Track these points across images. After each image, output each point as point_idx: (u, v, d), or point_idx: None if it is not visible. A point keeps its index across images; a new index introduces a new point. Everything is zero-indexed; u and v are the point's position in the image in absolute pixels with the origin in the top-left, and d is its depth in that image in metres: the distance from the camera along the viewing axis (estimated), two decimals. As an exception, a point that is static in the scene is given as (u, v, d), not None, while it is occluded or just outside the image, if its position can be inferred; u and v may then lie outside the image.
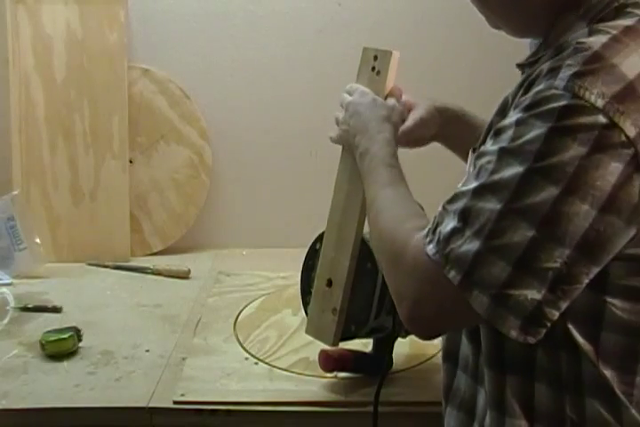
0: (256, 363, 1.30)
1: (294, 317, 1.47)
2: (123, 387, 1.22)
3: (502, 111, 0.84)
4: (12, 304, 1.50)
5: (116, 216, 1.77)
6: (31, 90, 1.74)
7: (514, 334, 0.76)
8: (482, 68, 1.72)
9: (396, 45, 1.13)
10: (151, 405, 1.18)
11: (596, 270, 0.76)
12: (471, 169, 0.82)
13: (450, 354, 0.97)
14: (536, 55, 0.87)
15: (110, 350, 1.34)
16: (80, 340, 1.34)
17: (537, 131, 0.74)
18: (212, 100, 1.81)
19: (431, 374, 1.24)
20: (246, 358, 1.31)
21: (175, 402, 1.18)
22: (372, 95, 1.08)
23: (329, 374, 1.24)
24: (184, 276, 1.69)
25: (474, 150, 0.92)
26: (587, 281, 0.76)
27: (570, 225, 0.73)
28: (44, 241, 1.72)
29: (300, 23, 1.78)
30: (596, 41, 0.75)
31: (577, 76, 0.73)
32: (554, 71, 0.76)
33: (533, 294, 0.74)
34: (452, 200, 0.80)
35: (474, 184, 0.78)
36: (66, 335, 1.31)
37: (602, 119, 0.72)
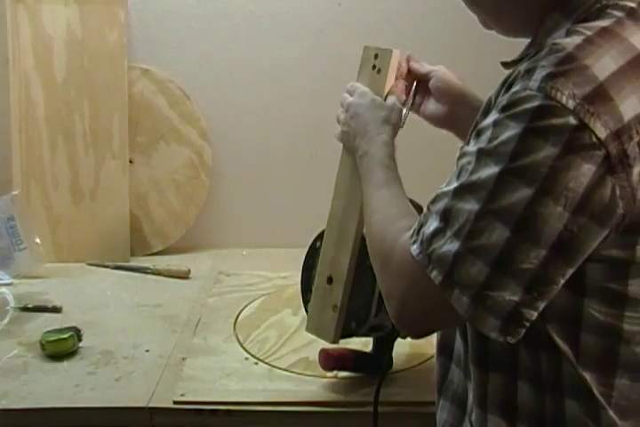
0: (256, 363, 1.30)
1: (294, 317, 1.47)
2: (123, 387, 1.22)
3: (486, 111, 0.84)
4: (12, 304, 1.50)
5: (116, 216, 1.77)
6: (31, 90, 1.74)
7: (494, 334, 0.77)
8: (482, 67, 1.72)
9: (395, 45, 1.14)
10: (151, 405, 1.18)
11: (570, 271, 0.76)
12: (455, 169, 0.82)
13: (444, 348, 0.98)
14: (522, 55, 0.87)
15: (110, 350, 1.34)
16: (80, 340, 1.34)
17: (511, 132, 0.74)
18: (211, 100, 1.81)
19: (431, 373, 1.22)
20: (246, 358, 1.32)
21: (175, 402, 1.18)
22: (372, 95, 1.08)
23: (329, 374, 1.25)
24: (184, 276, 1.69)
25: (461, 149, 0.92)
26: (562, 282, 0.76)
27: (545, 226, 0.73)
28: (44, 241, 1.72)
29: (300, 23, 1.78)
30: (570, 42, 0.76)
31: (549, 77, 0.74)
32: (529, 72, 0.76)
33: (510, 295, 0.75)
34: (434, 200, 0.81)
35: (454, 184, 0.79)
36: (66, 335, 1.31)
37: (572, 120, 0.72)
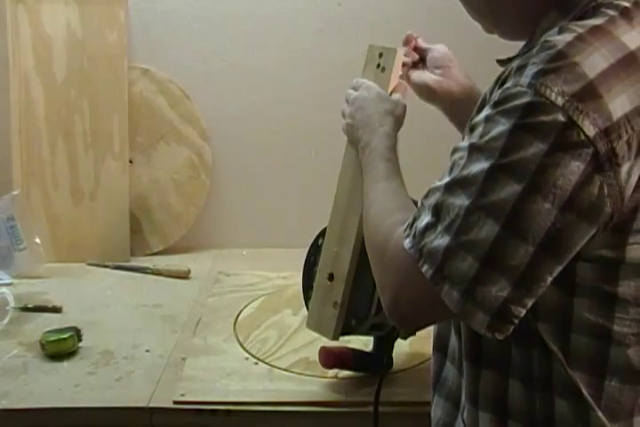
0: (256, 363, 1.30)
1: (294, 317, 1.47)
2: (123, 387, 1.22)
3: (481, 107, 0.84)
4: (12, 304, 1.50)
5: (116, 216, 1.77)
6: (31, 90, 1.74)
7: (482, 329, 0.77)
8: (482, 67, 1.72)
9: (396, 45, 1.14)
10: (151, 405, 1.18)
11: (558, 269, 0.76)
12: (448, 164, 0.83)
13: (440, 344, 0.98)
14: (519, 53, 0.88)
15: (110, 350, 1.34)
16: (80, 340, 1.34)
17: (501, 127, 0.75)
18: (211, 100, 1.81)
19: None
20: (246, 358, 1.31)
21: (175, 402, 1.18)
22: (377, 89, 1.09)
23: (329, 374, 1.25)
24: (184, 276, 1.69)
25: None
26: (550, 279, 0.76)
27: (533, 222, 0.74)
28: (44, 241, 1.72)
29: (299, 23, 1.78)
30: (561, 39, 0.76)
31: (540, 73, 0.74)
32: (521, 69, 0.76)
33: (499, 291, 0.75)
34: (427, 195, 0.82)
35: (446, 179, 0.79)
36: (66, 335, 1.31)
37: (561, 117, 0.72)
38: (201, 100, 1.80)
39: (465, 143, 0.79)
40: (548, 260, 0.75)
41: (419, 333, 1.21)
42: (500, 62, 0.89)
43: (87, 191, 1.77)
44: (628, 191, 0.74)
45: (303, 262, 1.25)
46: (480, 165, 0.76)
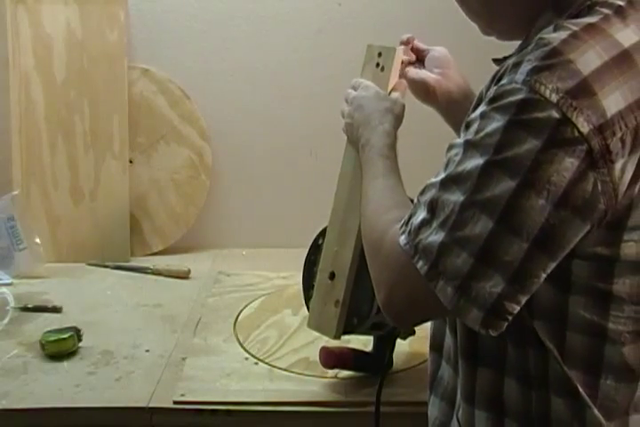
0: (256, 363, 1.30)
1: (294, 317, 1.47)
2: (123, 387, 1.22)
3: (477, 105, 0.85)
4: (12, 304, 1.50)
5: (116, 216, 1.77)
6: (31, 90, 1.74)
7: (476, 326, 0.77)
8: (481, 68, 1.72)
9: (396, 45, 1.14)
10: (151, 405, 1.18)
11: (552, 265, 0.76)
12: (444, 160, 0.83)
13: (435, 344, 0.98)
14: (515, 52, 0.88)
15: (110, 350, 1.34)
16: (80, 340, 1.34)
17: (496, 124, 0.75)
18: (211, 100, 1.81)
19: (431, 374, 1.24)
20: (246, 358, 1.31)
21: (175, 402, 1.18)
22: (376, 88, 1.09)
23: (329, 374, 1.25)
24: (184, 276, 1.69)
25: None
26: (544, 275, 0.76)
27: (527, 219, 0.74)
28: (44, 241, 1.72)
29: (300, 23, 1.78)
30: (556, 37, 0.76)
31: (535, 70, 0.74)
32: (517, 66, 0.77)
33: (493, 287, 0.75)
34: (423, 192, 0.82)
35: (442, 176, 0.80)
36: (66, 335, 1.31)
37: (555, 114, 0.72)
38: (201, 100, 1.80)
39: (460, 140, 0.80)
40: (541, 256, 0.75)
41: (418, 333, 1.22)
42: (496, 61, 0.90)
43: (87, 191, 1.77)
44: (622, 188, 0.74)
45: (303, 262, 1.26)
46: (475, 162, 0.76)
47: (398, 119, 1.07)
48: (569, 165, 0.72)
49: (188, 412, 1.17)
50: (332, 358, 1.20)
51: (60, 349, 1.31)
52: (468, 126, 0.80)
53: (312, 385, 1.22)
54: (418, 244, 0.79)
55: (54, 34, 1.73)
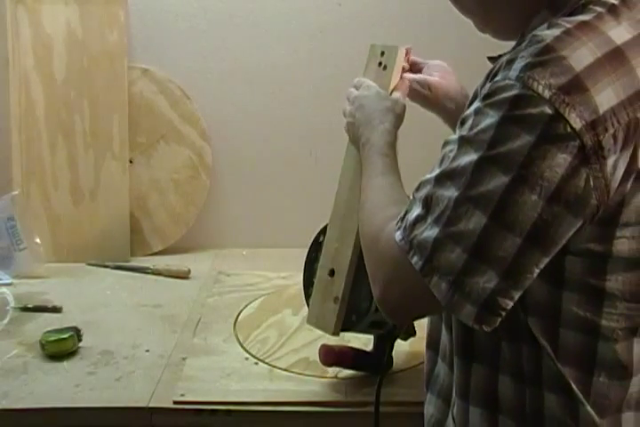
0: (256, 363, 1.30)
1: (294, 317, 1.47)
2: (123, 387, 1.22)
3: (472, 102, 0.85)
4: (12, 304, 1.50)
5: (116, 216, 1.77)
6: (31, 90, 1.74)
7: (469, 321, 0.78)
8: (483, 68, 1.72)
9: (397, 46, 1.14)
10: (151, 405, 1.18)
11: (545, 261, 0.77)
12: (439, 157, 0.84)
13: (432, 342, 0.99)
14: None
15: (110, 350, 1.34)
16: (80, 340, 1.34)
17: (490, 120, 0.76)
18: (211, 100, 1.81)
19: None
20: (246, 358, 1.31)
21: (175, 402, 1.18)
22: (377, 88, 1.10)
23: (329, 374, 1.25)
24: (184, 276, 1.69)
25: None
26: (537, 271, 0.77)
27: (520, 214, 0.74)
28: (44, 241, 1.72)
29: (300, 23, 1.78)
30: (550, 34, 0.77)
31: (528, 67, 0.75)
32: (510, 63, 0.77)
33: (486, 282, 0.76)
34: (418, 188, 0.82)
35: (437, 172, 0.80)
36: (66, 335, 1.31)
37: (548, 110, 0.73)
38: (201, 100, 1.80)
39: (455, 136, 0.80)
40: (534, 251, 0.76)
41: (419, 333, 1.22)
42: (491, 59, 0.91)
43: (87, 191, 1.77)
44: (614, 184, 0.75)
45: (304, 261, 1.26)
46: (469, 157, 0.76)
47: (399, 119, 1.07)
48: (561, 160, 0.73)
49: (188, 412, 1.17)
50: (331, 356, 1.20)
51: (60, 349, 1.31)
52: (462, 123, 0.80)
53: (312, 385, 1.22)
54: (413, 239, 0.79)
55: (54, 34, 1.73)
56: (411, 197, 0.84)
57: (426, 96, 1.16)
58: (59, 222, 1.77)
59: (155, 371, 1.27)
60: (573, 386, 0.82)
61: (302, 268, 1.26)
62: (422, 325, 1.05)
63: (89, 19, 1.73)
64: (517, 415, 0.86)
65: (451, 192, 0.77)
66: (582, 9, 0.80)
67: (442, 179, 0.79)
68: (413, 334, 1.24)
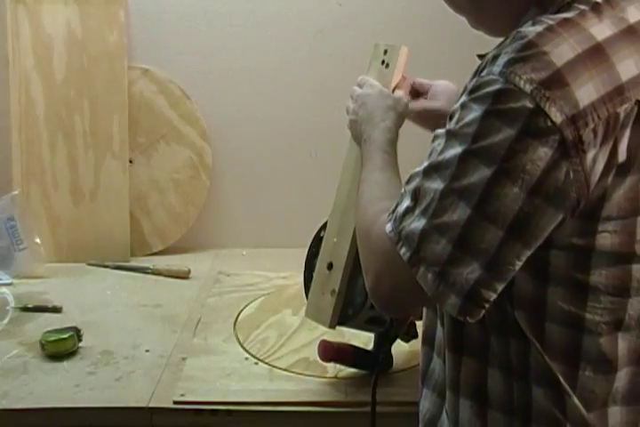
0: (256, 363, 1.30)
1: (294, 317, 1.47)
2: (123, 387, 1.22)
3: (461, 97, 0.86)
4: (12, 304, 1.50)
5: (116, 216, 1.77)
6: (31, 90, 1.74)
7: (454, 312, 0.79)
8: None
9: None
10: (151, 405, 1.18)
11: (527, 253, 0.78)
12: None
13: (427, 337, 0.99)
14: None
15: (110, 350, 1.34)
16: (80, 340, 1.34)
17: (474, 114, 0.77)
18: (211, 100, 1.81)
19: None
20: (246, 358, 1.32)
21: (175, 402, 1.18)
22: (380, 87, 1.12)
23: (329, 374, 1.25)
24: (184, 276, 1.70)
25: None
26: (519, 263, 0.78)
27: (502, 206, 0.75)
28: (44, 241, 1.72)
29: (300, 23, 1.78)
30: (532, 30, 0.78)
31: (510, 62, 0.76)
32: (495, 58, 0.79)
33: (470, 273, 0.77)
34: (408, 181, 0.84)
35: (425, 165, 0.82)
36: (66, 335, 1.31)
37: (529, 104, 0.74)
38: (201, 100, 1.80)
39: (443, 130, 0.82)
40: (516, 243, 0.77)
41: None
42: (480, 57, 0.92)
43: (87, 191, 1.77)
44: (594, 178, 0.76)
45: (304, 260, 1.26)
46: (454, 150, 0.78)
47: (400, 117, 1.09)
48: (542, 154, 0.74)
49: (188, 412, 1.17)
50: (329, 352, 1.21)
51: (60, 349, 1.31)
52: (450, 117, 0.82)
53: (312, 385, 1.23)
54: (401, 231, 0.81)
55: (54, 34, 1.73)
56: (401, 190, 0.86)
57: (435, 122, 1.16)
58: (59, 222, 1.77)
59: (155, 371, 1.27)
60: (561, 380, 0.83)
61: (302, 268, 1.26)
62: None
63: (89, 19, 1.73)
64: (506, 409, 0.87)
65: (437, 184, 0.79)
66: (568, 7, 0.82)
67: (429, 171, 0.80)
68: (415, 335, 1.24)
